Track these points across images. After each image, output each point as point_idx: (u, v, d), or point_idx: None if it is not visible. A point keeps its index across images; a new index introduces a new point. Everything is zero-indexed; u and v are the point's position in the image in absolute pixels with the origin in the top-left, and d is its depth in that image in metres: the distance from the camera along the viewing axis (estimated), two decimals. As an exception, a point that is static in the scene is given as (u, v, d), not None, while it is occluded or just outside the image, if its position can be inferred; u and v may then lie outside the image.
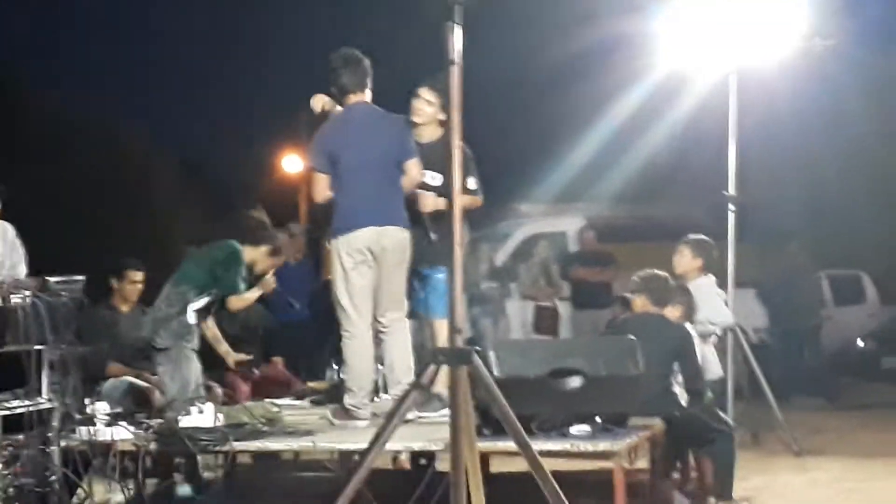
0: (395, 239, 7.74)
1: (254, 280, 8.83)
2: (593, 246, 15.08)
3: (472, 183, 8.04)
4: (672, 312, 8.20)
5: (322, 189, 7.75)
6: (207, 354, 8.76)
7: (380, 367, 8.51)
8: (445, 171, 7.76)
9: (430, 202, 7.94)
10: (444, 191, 7.76)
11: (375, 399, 8.38)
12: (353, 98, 7.85)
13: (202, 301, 8.36)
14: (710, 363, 8.88)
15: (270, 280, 9.03)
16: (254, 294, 8.80)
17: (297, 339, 11.43)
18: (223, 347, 9.12)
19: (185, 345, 8.22)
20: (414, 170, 7.78)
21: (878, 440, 10.98)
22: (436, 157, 7.91)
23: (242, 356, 9.29)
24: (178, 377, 8.16)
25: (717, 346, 9.33)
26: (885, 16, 18.05)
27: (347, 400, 7.68)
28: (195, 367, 8.27)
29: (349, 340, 7.73)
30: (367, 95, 7.86)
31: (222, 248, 8.57)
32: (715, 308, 9.08)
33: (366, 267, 7.67)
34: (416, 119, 8.01)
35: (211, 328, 8.90)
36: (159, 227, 23.69)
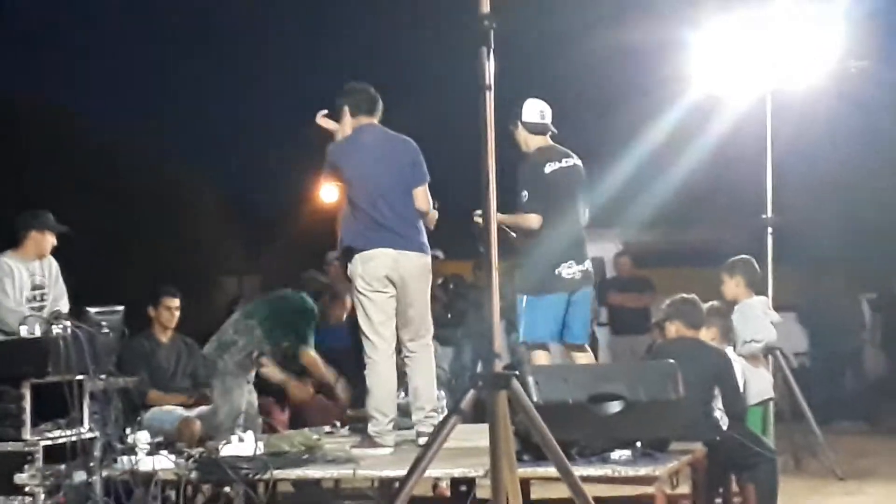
0: (414, 264, 7.71)
1: None
2: (629, 271, 15.01)
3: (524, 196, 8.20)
4: (707, 335, 8.16)
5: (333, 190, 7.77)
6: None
7: (402, 393, 8.53)
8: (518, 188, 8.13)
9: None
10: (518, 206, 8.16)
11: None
12: (364, 120, 7.85)
13: (268, 345, 8.51)
14: (763, 384, 8.85)
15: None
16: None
17: (336, 366, 11.41)
18: (279, 377, 9.10)
19: (242, 374, 8.31)
20: (421, 196, 7.75)
21: (922, 463, 10.88)
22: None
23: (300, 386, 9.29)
24: (228, 401, 8.21)
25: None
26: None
27: (371, 427, 7.65)
28: (247, 398, 8.32)
29: (371, 367, 7.69)
30: (377, 121, 7.90)
31: (299, 298, 8.92)
32: (762, 326, 9.06)
33: (385, 293, 7.65)
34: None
35: (266, 364, 8.94)
36: (201, 258, 23.74)
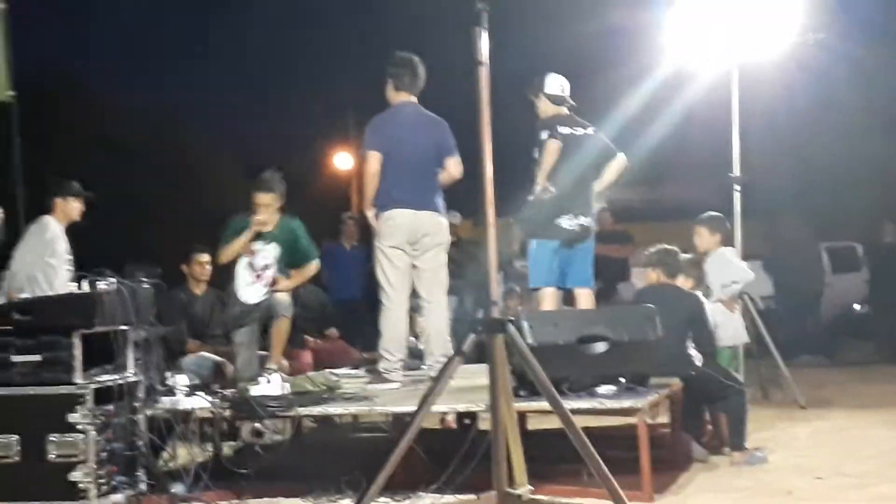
0: (431, 223, 7.80)
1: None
2: (610, 226, 14.95)
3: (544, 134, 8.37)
4: (684, 283, 8.16)
5: (375, 164, 7.76)
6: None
7: (413, 339, 8.55)
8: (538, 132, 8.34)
9: None
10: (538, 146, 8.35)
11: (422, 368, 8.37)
12: (405, 97, 7.89)
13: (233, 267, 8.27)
14: (736, 328, 8.88)
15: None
16: (240, 241, 8.29)
17: (351, 316, 11.45)
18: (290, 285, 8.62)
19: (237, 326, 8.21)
20: (453, 165, 7.81)
21: (875, 392, 10.89)
22: None
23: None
24: (250, 351, 8.18)
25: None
26: (869, 12, 17.88)
27: (381, 365, 7.77)
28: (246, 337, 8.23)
29: (384, 313, 7.78)
30: (416, 98, 7.96)
31: (292, 225, 8.42)
32: (738, 269, 9.08)
33: (402, 249, 7.74)
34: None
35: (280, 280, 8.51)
36: (227, 220, 23.78)
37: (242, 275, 8.25)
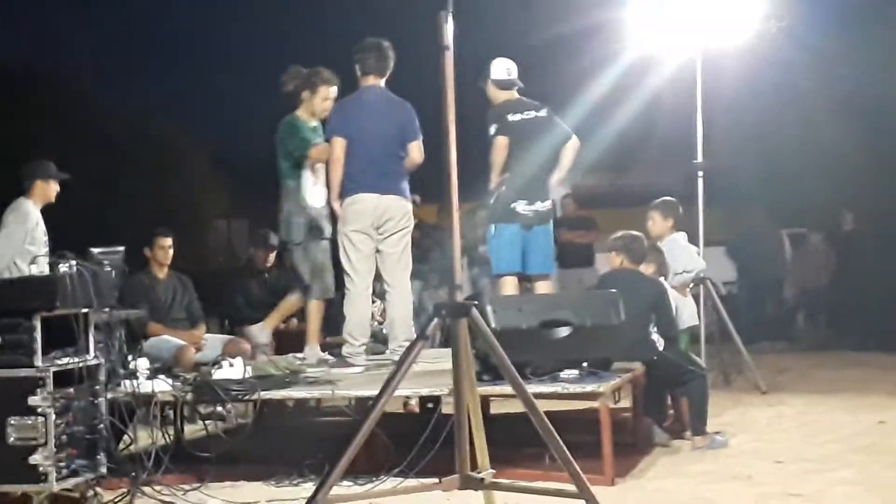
0: (396, 207, 7.77)
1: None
2: (574, 212, 14.96)
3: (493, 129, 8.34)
4: (646, 269, 8.17)
5: (340, 150, 7.72)
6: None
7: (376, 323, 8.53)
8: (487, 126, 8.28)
9: None
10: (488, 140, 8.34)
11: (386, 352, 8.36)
12: (371, 80, 7.85)
13: (299, 174, 8.10)
14: (690, 311, 8.88)
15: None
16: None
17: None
18: None
19: (316, 237, 8.10)
20: (415, 150, 7.79)
21: (835, 377, 10.97)
22: None
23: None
24: (309, 266, 8.10)
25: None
26: (832, 0, 17.99)
27: (345, 349, 7.81)
28: (326, 256, 8.17)
29: (348, 297, 7.81)
30: (383, 81, 7.91)
31: (279, 129, 8.26)
32: (690, 258, 9.09)
33: (366, 234, 7.73)
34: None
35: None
36: (193, 204, 23.60)
37: (307, 178, 8.08)
